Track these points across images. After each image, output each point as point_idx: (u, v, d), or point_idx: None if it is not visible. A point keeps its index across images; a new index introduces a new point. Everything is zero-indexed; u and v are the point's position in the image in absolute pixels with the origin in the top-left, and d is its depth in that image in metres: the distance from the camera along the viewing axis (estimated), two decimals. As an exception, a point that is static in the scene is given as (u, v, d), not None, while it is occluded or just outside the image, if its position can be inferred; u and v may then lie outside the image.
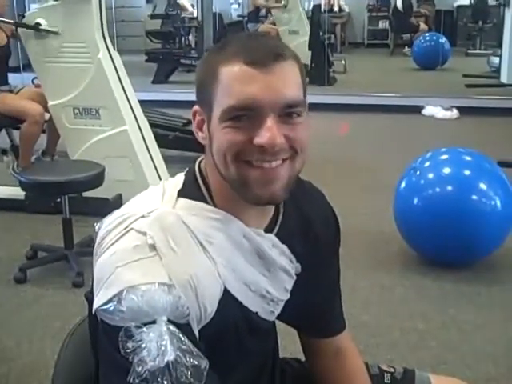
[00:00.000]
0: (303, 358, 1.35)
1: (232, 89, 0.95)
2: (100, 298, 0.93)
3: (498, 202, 3.08)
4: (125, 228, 0.97)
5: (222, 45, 1.01)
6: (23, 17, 4.12)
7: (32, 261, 3.40)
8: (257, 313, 1.08)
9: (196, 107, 1.04)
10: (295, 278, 1.13)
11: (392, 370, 1.35)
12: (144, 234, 0.96)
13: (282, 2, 9.73)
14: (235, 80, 0.95)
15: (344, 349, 1.27)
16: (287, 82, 0.96)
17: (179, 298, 0.92)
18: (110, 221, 1.01)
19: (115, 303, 0.90)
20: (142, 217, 0.98)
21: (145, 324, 0.89)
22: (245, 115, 0.95)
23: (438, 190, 3.16)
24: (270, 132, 0.94)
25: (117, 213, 1.02)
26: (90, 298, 1.00)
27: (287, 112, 0.96)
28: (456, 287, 3.06)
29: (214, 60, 0.99)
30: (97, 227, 1.04)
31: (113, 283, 0.92)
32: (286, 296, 1.13)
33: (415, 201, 3.19)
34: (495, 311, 2.85)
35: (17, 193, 3.90)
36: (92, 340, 1.08)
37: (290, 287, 1.12)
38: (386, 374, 1.34)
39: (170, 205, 1.01)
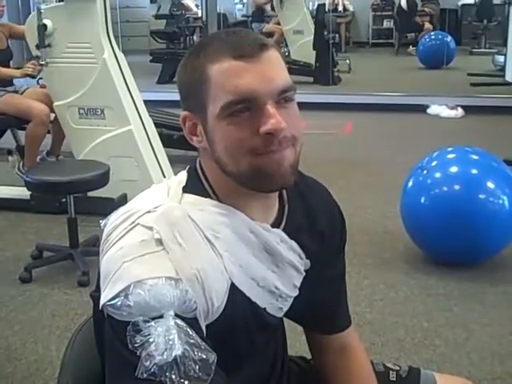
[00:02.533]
0: (309, 357, 1.35)
1: (227, 84, 0.96)
2: (107, 293, 0.93)
3: (506, 201, 3.07)
4: (131, 223, 0.98)
5: (201, 46, 1.02)
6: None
7: (37, 260, 3.41)
8: (265, 308, 1.08)
9: (185, 113, 1.04)
10: (304, 274, 1.13)
11: (397, 367, 1.36)
12: (150, 228, 0.96)
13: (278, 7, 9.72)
14: (228, 75, 0.96)
15: (349, 345, 1.28)
16: (277, 68, 0.99)
17: (186, 293, 0.92)
18: (115, 217, 1.02)
19: (122, 298, 0.90)
20: (148, 212, 0.99)
21: (152, 318, 0.89)
22: (244, 108, 0.96)
23: (445, 189, 3.15)
24: (274, 118, 0.95)
25: (122, 209, 1.02)
26: (95, 297, 1.00)
27: (282, 97, 0.98)
28: (461, 286, 3.05)
29: (197, 62, 0.99)
30: (102, 224, 1.04)
31: (120, 278, 0.92)
32: (295, 292, 1.13)
33: (422, 200, 3.18)
34: (501, 310, 2.84)
35: (22, 193, 3.91)
36: (97, 339, 1.08)
37: (298, 284, 1.13)
38: (391, 372, 1.34)
39: (175, 200, 1.02)
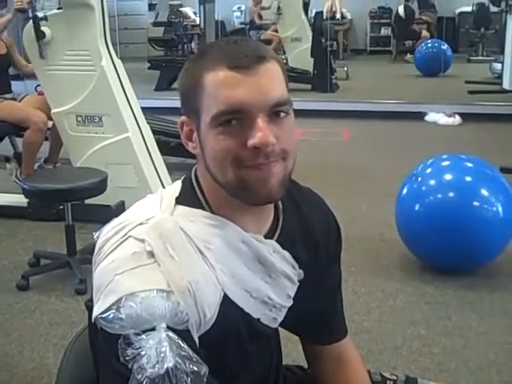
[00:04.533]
0: (305, 366, 1.35)
1: (219, 95, 0.96)
2: (99, 306, 0.93)
3: (500, 209, 3.08)
4: (123, 236, 0.98)
5: (201, 53, 1.02)
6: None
7: (35, 268, 3.41)
8: (259, 319, 1.08)
9: (183, 118, 1.04)
10: (298, 284, 1.13)
11: (394, 377, 1.35)
12: (142, 241, 0.96)
13: (277, 16, 9.73)
14: (221, 86, 0.96)
15: (346, 355, 1.27)
16: (272, 82, 0.98)
17: (178, 305, 0.92)
18: (108, 229, 1.02)
19: (114, 311, 0.90)
20: (140, 224, 0.99)
21: (144, 331, 0.89)
22: (234, 119, 0.96)
23: (439, 196, 3.16)
24: (261, 132, 0.95)
25: (115, 221, 1.03)
26: (90, 307, 1.00)
27: (275, 111, 0.97)
28: (458, 294, 3.05)
29: (196, 69, 1.00)
30: (95, 236, 1.04)
31: (112, 291, 0.92)
32: (289, 302, 1.13)
33: (417, 207, 3.19)
34: (497, 318, 2.84)
35: (20, 200, 3.91)
36: (93, 348, 1.08)
37: (292, 294, 1.13)
38: (388, 382, 1.33)
39: (168, 212, 1.02)
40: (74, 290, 3.12)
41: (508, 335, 2.69)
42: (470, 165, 3.30)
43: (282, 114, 0.98)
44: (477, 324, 2.78)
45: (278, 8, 9.63)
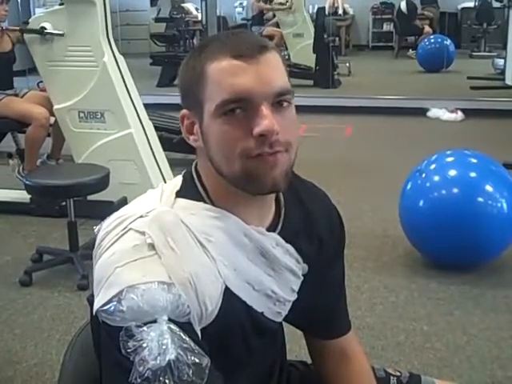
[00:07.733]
0: (309, 361, 1.35)
1: (223, 83, 0.96)
2: (100, 298, 0.93)
3: (504, 204, 3.07)
4: (123, 228, 0.98)
5: (202, 46, 1.02)
6: (27, 23, 4.15)
7: (37, 264, 3.41)
8: (262, 313, 1.07)
9: (184, 111, 1.05)
10: (302, 278, 1.12)
11: (398, 373, 1.35)
12: (143, 233, 0.96)
13: (287, 4, 9.70)
14: (225, 74, 0.96)
15: (350, 350, 1.27)
16: (275, 71, 0.99)
17: (179, 297, 0.92)
18: (108, 222, 1.02)
19: (115, 303, 0.90)
20: (141, 217, 0.99)
21: (145, 323, 0.89)
22: (239, 108, 0.96)
23: (443, 192, 3.16)
24: (267, 119, 0.95)
25: (115, 214, 1.03)
26: (91, 301, 1.00)
27: (278, 101, 0.98)
28: (461, 289, 3.05)
29: (197, 61, 1.00)
30: (96, 230, 1.04)
31: (112, 284, 0.92)
32: (293, 296, 1.12)
33: (421, 203, 3.18)
34: (501, 313, 2.84)
35: (22, 196, 3.92)
36: (95, 342, 1.08)
37: (296, 288, 1.12)
38: (391, 378, 1.33)
39: (168, 205, 1.02)
40: (77, 285, 3.12)
41: (511, 331, 2.69)
42: (474, 160, 3.29)
43: (285, 104, 0.99)
44: (480, 320, 2.78)
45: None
